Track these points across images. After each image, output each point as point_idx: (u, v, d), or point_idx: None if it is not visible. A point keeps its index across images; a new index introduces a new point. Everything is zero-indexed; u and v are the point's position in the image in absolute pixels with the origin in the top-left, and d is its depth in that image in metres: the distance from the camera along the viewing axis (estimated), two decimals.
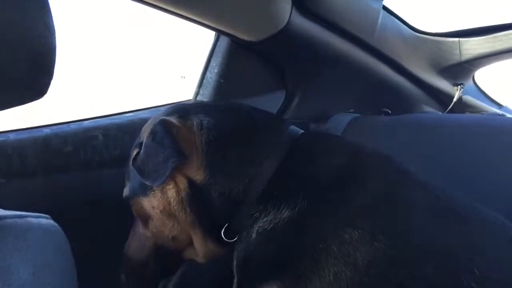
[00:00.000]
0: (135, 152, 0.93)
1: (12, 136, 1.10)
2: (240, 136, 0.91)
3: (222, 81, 1.38)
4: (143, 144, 0.91)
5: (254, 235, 0.83)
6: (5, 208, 0.65)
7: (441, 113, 1.78)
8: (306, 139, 0.94)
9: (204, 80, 1.41)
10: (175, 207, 0.91)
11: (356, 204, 0.79)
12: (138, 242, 1.01)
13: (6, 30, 0.45)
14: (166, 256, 0.98)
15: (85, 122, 1.24)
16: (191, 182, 0.89)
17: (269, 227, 0.81)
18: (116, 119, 1.30)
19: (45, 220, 0.47)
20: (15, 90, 0.48)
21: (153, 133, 0.89)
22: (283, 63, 1.45)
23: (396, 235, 0.75)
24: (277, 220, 0.81)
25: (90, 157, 1.22)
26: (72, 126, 1.21)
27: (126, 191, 1.01)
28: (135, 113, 1.36)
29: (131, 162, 0.93)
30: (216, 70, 1.39)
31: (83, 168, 1.22)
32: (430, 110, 1.76)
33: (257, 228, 0.83)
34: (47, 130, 1.17)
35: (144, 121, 1.33)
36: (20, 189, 1.11)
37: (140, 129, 1.30)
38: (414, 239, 0.75)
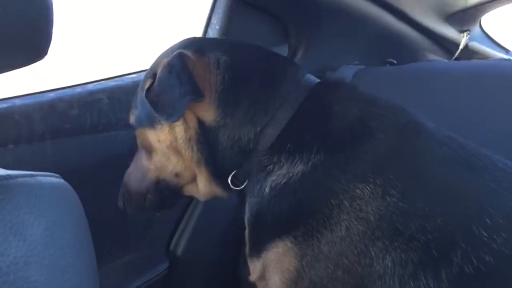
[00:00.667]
0: (148, 83, 0.89)
1: (18, 102, 1.11)
2: (256, 80, 0.88)
3: (223, 37, 1.37)
4: (158, 76, 0.86)
5: (267, 190, 0.82)
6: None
7: (447, 60, 1.75)
8: (322, 88, 0.90)
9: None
10: (182, 145, 0.89)
11: (369, 159, 0.78)
12: (140, 173, 1.00)
13: None
14: (166, 190, 0.98)
15: (90, 85, 1.24)
16: (200, 122, 0.87)
17: (283, 182, 0.81)
18: (120, 81, 1.30)
19: (55, 179, 0.49)
20: (14, 52, 0.48)
21: (170, 65, 0.85)
22: (284, 16, 1.43)
23: (407, 188, 0.75)
24: (290, 175, 0.80)
25: (96, 120, 1.23)
26: (77, 89, 1.22)
27: (132, 119, 0.99)
28: (138, 74, 1.36)
29: (143, 93, 0.89)
30: (217, 27, 1.37)
31: (90, 131, 1.23)
32: (436, 58, 1.74)
33: (270, 182, 0.82)
34: (52, 95, 1.17)
35: None
36: (29, 154, 1.13)
37: None
38: (425, 191, 0.75)
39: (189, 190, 0.98)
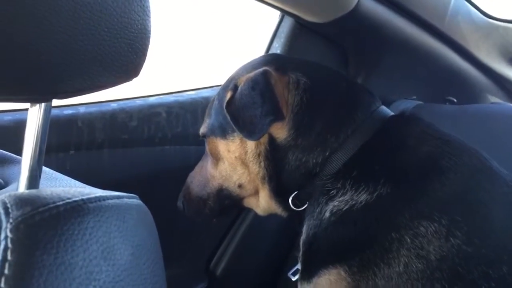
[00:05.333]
0: (228, 95, 0.89)
1: (82, 110, 1.14)
2: (332, 105, 0.88)
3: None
4: (241, 91, 0.87)
5: (327, 214, 0.81)
6: (73, 178, 0.67)
7: (510, 104, 1.69)
8: (396, 121, 0.89)
9: None
10: (250, 159, 0.91)
11: (436, 197, 0.76)
12: (204, 178, 1.02)
13: (107, 16, 0.46)
14: (227, 199, 0.99)
15: (150, 98, 1.27)
16: (272, 139, 0.88)
17: (344, 208, 0.79)
18: (179, 97, 1.32)
19: (137, 201, 0.48)
20: (113, 72, 0.49)
21: (253, 82, 0.85)
22: (347, 47, 1.42)
23: (474, 232, 0.72)
24: (353, 202, 0.79)
25: (153, 133, 1.25)
26: (138, 102, 1.24)
27: (203, 128, 1.00)
28: (197, 91, 1.38)
29: (223, 104, 0.89)
30: (278, 51, 1.37)
31: (146, 143, 1.25)
32: (498, 101, 1.68)
33: (332, 207, 0.81)
34: (114, 105, 1.20)
35: (206, 99, 1.35)
36: (88, 161, 1.15)
37: (202, 108, 1.32)
38: (492, 237, 0.72)
39: (249, 202, 0.99)
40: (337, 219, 0.80)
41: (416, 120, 0.89)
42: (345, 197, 0.80)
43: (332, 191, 0.82)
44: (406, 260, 0.72)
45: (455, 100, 1.52)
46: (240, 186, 0.96)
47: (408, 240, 0.73)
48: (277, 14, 1.37)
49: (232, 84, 0.91)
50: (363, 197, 0.78)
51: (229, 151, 0.93)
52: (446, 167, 0.79)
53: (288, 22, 1.36)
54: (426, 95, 1.57)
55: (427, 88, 1.59)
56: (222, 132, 0.93)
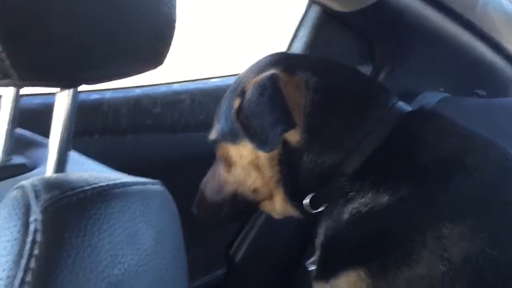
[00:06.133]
0: (237, 102, 0.86)
1: (108, 95, 1.15)
2: (346, 104, 0.85)
3: (309, 51, 1.36)
4: (249, 98, 0.83)
5: (346, 216, 0.80)
6: (97, 162, 0.69)
7: None
8: (414, 117, 0.86)
9: (291, 50, 1.39)
10: (263, 163, 0.88)
11: (460, 198, 0.74)
12: (217, 183, 1.00)
13: (134, 4, 0.46)
14: (242, 204, 0.97)
15: (174, 85, 1.27)
16: (285, 142, 0.84)
17: (364, 210, 0.78)
18: (203, 84, 1.32)
19: (160, 187, 0.49)
20: (138, 60, 0.50)
21: (261, 87, 0.82)
22: (373, 37, 1.40)
23: (499, 234, 0.71)
24: (373, 204, 0.77)
25: (177, 120, 1.26)
26: (162, 88, 1.25)
27: (213, 134, 0.97)
28: (221, 79, 1.38)
29: (233, 111, 0.87)
30: (304, 40, 1.36)
31: (169, 130, 1.26)
32: None
33: (350, 209, 0.79)
34: (138, 91, 1.21)
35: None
36: (112, 145, 1.17)
37: None
38: None
39: (265, 206, 0.97)
40: (356, 221, 0.79)
41: (436, 116, 0.86)
42: (365, 199, 0.78)
43: (351, 193, 0.80)
44: (429, 263, 0.71)
45: (484, 93, 1.49)
46: (254, 190, 0.93)
47: (431, 242, 0.71)
48: (305, 2, 1.36)
49: (239, 89, 0.88)
50: (383, 199, 0.77)
51: (241, 156, 0.91)
52: (470, 165, 0.77)
53: (315, 10, 1.34)
54: (453, 88, 1.54)
55: (455, 80, 1.56)
56: (233, 137, 0.90)
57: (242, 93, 0.86)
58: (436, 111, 0.89)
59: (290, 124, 0.81)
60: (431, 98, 1.44)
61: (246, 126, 0.83)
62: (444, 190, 0.75)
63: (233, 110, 0.86)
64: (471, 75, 1.54)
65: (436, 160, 0.79)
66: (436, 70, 1.53)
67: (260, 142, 0.82)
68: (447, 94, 1.48)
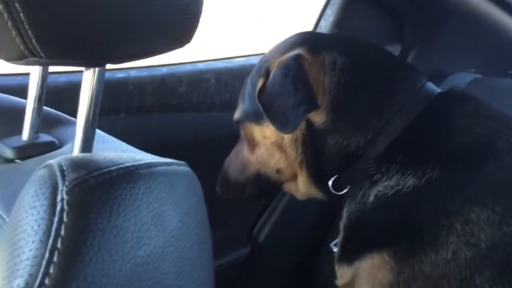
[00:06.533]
0: (260, 82, 0.85)
1: (133, 73, 1.15)
2: (373, 84, 0.83)
3: (336, 30, 1.33)
4: (272, 78, 0.82)
5: (371, 199, 0.79)
6: (122, 140, 0.69)
7: None
8: (444, 99, 0.84)
9: (318, 29, 1.36)
10: (287, 144, 0.87)
11: (491, 182, 0.73)
12: (240, 164, 1.00)
13: None
14: (266, 184, 0.97)
15: (200, 64, 1.27)
16: (309, 124, 0.83)
17: (390, 193, 0.77)
18: (228, 63, 1.31)
19: (186, 168, 0.49)
20: (166, 38, 0.49)
21: (285, 68, 0.81)
22: (403, 15, 1.36)
23: None
24: (400, 187, 0.76)
25: (202, 99, 1.26)
26: (188, 67, 1.24)
27: (238, 114, 0.97)
28: (246, 58, 1.36)
29: (255, 91, 0.86)
30: (331, 19, 1.33)
31: (194, 109, 1.26)
32: None
33: (376, 191, 0.78)
34: (164, 70, 1.21)
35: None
36: (137, 124, 1.18)
37: None
38: None
39: (288, 187, 0.97)
40: (382, 204, 0.78)
41: (467, 97, 0.84)
42: (391, 181, 0.77)
43: (376, 175, 0.79)
44: (455, 248, 0.70)
45: None
46: (278, 171, 0.93)
47: (458, 226, 0.70)
48: None
49: (263, 69, 0.87)
50: (410, 181, 0.75)
51: (265, 137, 0.90)
52: (502, 149, 0.75)
53: None
54: (485, 69, 1.49)
55: (487, 61, 1.51)
56: (257, 117, 0.90)
57: (266, 73, 0.85)
58: (468, 92, 0.86)
59: (313, 106, 0.80)
60: (462, 79, 1.40)
61: (267, 107, 0.82)
62: (473, 174, 0.74)
63: (257, 90, 0.85)
64: (504, 56, 1.49)
65: (465, 143, 0.77)
66: (468, 50, 1.48)
67: (281, 124, 0.81)
68: (478, 75, 1.43)
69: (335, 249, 1.09)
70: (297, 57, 0.82)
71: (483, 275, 0.68)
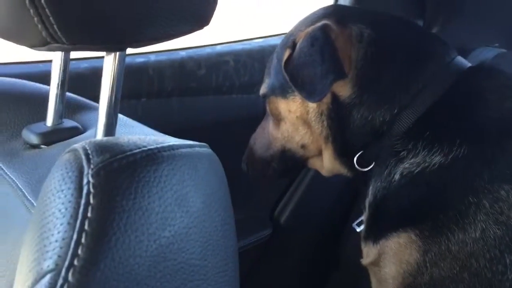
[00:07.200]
0: (287, 53, 0.85)
1: (152, 58, 1.16)
2: (400, 57, 0.82)
3: (356, 6, 1.30)
4: (299, 48, 0.82)
5: (397, 176, 0.78)
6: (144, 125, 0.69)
7: None
8: (474, 73, 0.82)
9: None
10: (313, 118, 0.87)
11: None
12: (266, 140, 1.01)
13: None
14: (291, 160, 0.97)
15: (218, 46, 1.26)
16: (335, 97, 0.83)
17: (416, 171, 0.76)
18: (246, 45, 1.31)
19: (208, 149, 0.49)
20: (185, 20, 0.49)
21: (312, 38, 0.81)
22: None
23: None
24: (426, 164, 0.75)
25: (221, 82, 1.26)
26: (206, 50, 1.24)
27: (263, 89, 0.97)
28: (264, 39, 1.35)
29: (281, 63, 0.86)
30: None
31: (214, 92, 1.26)
32: None
33: (402, 169, 0.77)
34: (183, 53, 1.21)
35: (273, 48, 1.32)
36: (158, 108, 1.19)
37: (270, 56, 1.30)
38: None
39: (313, 163, 0.97)
40: (408, 181, 0.77)
41: (497, 72, 0.82)
42: (417, 158, 0.76)
43: (403, 152, 0.78)
44: (484, 226, 0.69)
45: None
46: (303, 146, 0.93)
47: (487, 204, 0.69)
48: None
49: (290, 41, 0.87)
50: (436, 158, 0.74)
51: (290, 110, 0.90)
52: None
53: None
54: (509, 43, 1.45)
55: (511, 35, 1.47)
56: (283, 91, 0.90)
57: (293, 45, 0.85)
58: (497, 66, 0.84)
59: (340, 74, 0.79)
60: (486, 53, 1.36)
61: (294, 77, 0.82)
62: (502, 151, 0.72)
63: (283, 61, 0.85)
64: None
65: (496, 119, 0.75)
66: (491, 24, 1.44)
67: (308, 93, 0.81)
68: (503, 50, 1.39)
69: (358, 229, 1.09)
70: (324, 27, 0.81)
71: None
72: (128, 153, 0.39)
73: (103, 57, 0.54)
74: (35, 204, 0.49)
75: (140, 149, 0.40)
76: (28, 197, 0.50)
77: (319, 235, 1.55)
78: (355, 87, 0.81)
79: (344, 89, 0.82)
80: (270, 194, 1.46)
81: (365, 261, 0.86)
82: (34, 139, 0.62)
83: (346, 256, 1.50)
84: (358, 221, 1.19)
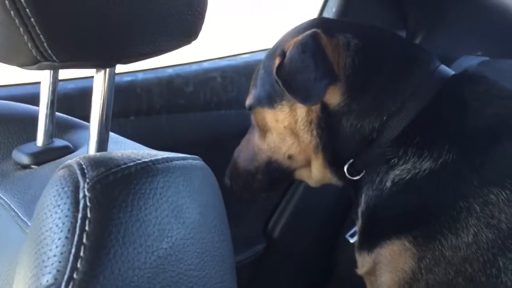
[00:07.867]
0: (277, 61, 0.85)
1: (140, 76, 1.16)
2: (387, 66, 0.83)
3: (340, 19, 1.32)
4: (290, 55, 0.83)
5: (389, 184, 0.79)
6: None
7: None
8: (458, 81, 0.84)
9: None
10: (301, 127, 0.87)
11: (508, 162, 0.72)
12: (251, 152, 0.99)
13: None
14: (277, 172, 0.96)
15: (205, 63, 1.27)
16: (324, 105, 0.84)
17: (407, 177, 0.76)
18: (232, 61, 1.32)
19: (200, 162, 0.49)
20: (173, 35, 0.50)
21: (303, 45, 0.81)
22: (406, 1, 1.35)
23: None
24: (416, 171, 0.76)
25: (209, 98, 1.26)
26: (193, 67, 1.25)
27: (249, 100, 0.97)
28: (250, 54, 1.37)
29: (274, 71, 0.85)
30: (333, 10, 1.33)
31: (202, 108, 1.27)
32: None
33: (393, 176, 0.78)
34: (170, 71, 1.21)
35: (259, 62, 1.34)
36: (147, 126, 1.19)
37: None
38: None
39: (300, 174, 0.96)
40: (399, 189, 0.77)
41: (480, 78, 0.84)
42: (407, 165, 0.77)
43: (393, 160, 0.78)
44: (475, 230, 0.69)
45: None
46: (290, 157, 0.92)
47: (477, 208, 0.70)
48: None
49: (279, 50, 0.87)
50: (426, 164, 0.75)
51: (277, 120, 0.90)
52: None
53: None
54: (493, 51, 1.48)
55: (493, 43, 1.50)
56: (270, 101, 0.90)
57: (283, 53, 0.85)
58: (481, 73, 0.86)
59: (334, 78, 0.80)
60: (469, 61, 1.39)
61: (287, 83, 0.82)
62: (490, 155, 0.73)
63: (274, 69, 0.85)
64: (509, 37, 1.48)
65: (481, 124, 0.77)
66: (473, 33, 1.47)
67: (304, 97, 0.81)
68: (486, 58, 1.42)
69: (351, 240, 1.09)
70: (314, 35, 0.82)
71: (506, 257, 0.68)
72: (123, 166, 0.40)
73: (90, 77, 0.55)
74: (29, 223, 0.48)
75: (135, 162, 0.41)
76: (22, 217, 0.50)
77: (313, 247, 1.55)
78: (344, 95, 0.82)
79: (333, 97, 0.83)
80: (263, 208, 1.46)
81: (360, 270, 0.86)
82: (25, 160, 0.62)
83: (341, 267, 1.50)
84: (351, 232, 1.19)
